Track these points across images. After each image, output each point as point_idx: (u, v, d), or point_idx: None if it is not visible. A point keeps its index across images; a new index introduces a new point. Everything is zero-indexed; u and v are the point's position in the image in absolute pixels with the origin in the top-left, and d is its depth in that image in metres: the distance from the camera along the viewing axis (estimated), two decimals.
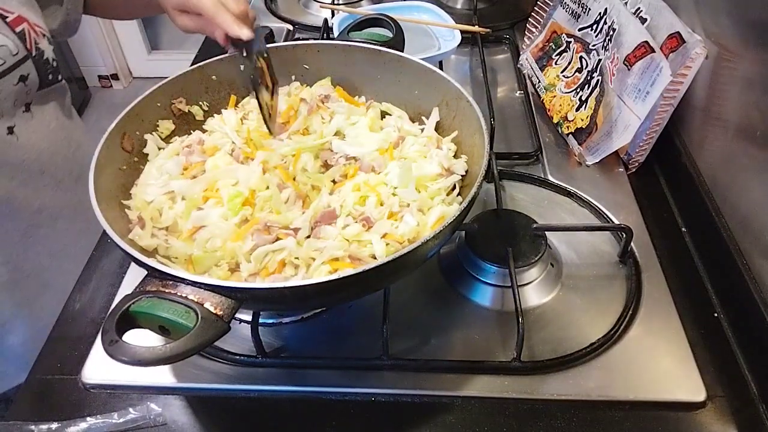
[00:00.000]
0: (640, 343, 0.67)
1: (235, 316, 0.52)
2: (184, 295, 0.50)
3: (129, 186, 0.70)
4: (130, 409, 0.62)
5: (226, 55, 0.79)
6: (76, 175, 0.88)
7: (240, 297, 0.51)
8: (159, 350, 0.47)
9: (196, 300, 0.50)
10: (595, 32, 0.93)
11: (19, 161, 0.78)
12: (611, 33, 0.87)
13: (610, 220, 0.81)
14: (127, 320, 0.49)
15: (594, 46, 0.92)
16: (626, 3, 0.88)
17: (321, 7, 1.29)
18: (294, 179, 0.69)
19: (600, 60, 0.90)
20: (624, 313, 0.69)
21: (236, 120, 0.77)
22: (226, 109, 0.81)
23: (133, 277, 0.75)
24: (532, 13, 1.10)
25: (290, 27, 1.28)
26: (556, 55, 1.01)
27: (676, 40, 0.79)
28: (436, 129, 0.77)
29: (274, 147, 0.72)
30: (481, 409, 0.62)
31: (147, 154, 0.73)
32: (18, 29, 0.73)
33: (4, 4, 0.73)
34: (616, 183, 0.88)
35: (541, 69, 1.03)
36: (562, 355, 0.65)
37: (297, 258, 0.61)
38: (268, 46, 0.72)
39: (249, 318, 0.65)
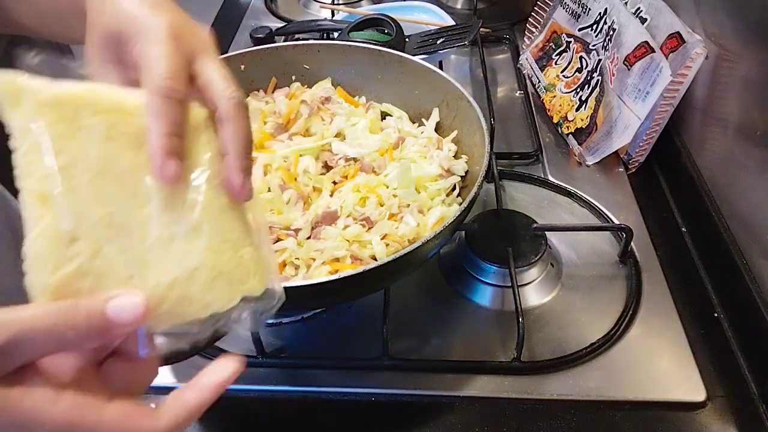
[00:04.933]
0: (640, 343, 0.67)
1: None
2: None
3: None
4: None
5: (226, 55, 0.79)
6: None
7: None
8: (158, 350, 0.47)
9: None
10: (595, 32, 0.93)
11: None
12: (611, 33, 0.87)
13: (610, 220, 0.81)
14: None
15: (594, 46, 0.92)
16: (626, 3, 0.88)
17: (321, 7, 1.29)
18: (295, 180, 0.69)
19: (600, 60, 0.90)
20: (624, 313, 0.69)
21: None
22: None
23: None
24: (532, 13, 1.10)
25: None
26: (556, 55, 1.01)
27: (676, 40, 0.79)
28: (437, 129, 0.77)
29: (275, 149, 0.72)
30: (481, 409, 0.62)
31: None
32: None
33: None
34: (616, 183, 0.88)
35: (541, 69, 1.03)
36: (562, 355, 0.65)
37: (297, 258, 0.61)
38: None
39: None
